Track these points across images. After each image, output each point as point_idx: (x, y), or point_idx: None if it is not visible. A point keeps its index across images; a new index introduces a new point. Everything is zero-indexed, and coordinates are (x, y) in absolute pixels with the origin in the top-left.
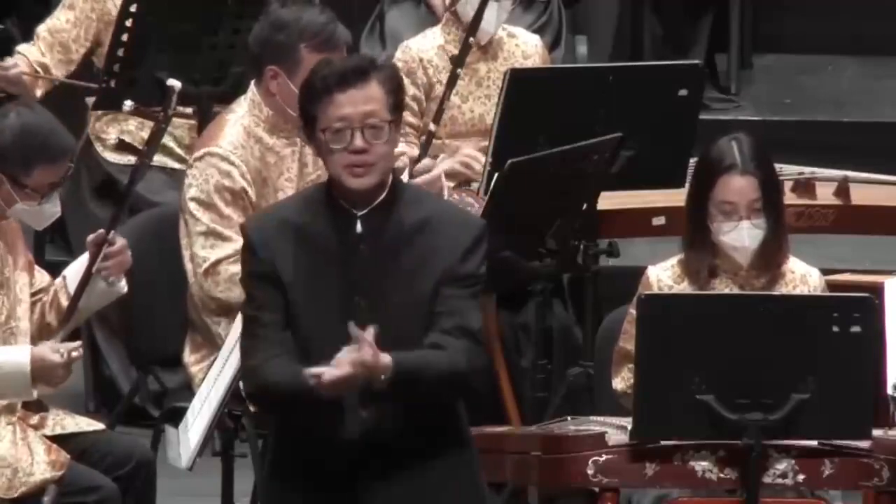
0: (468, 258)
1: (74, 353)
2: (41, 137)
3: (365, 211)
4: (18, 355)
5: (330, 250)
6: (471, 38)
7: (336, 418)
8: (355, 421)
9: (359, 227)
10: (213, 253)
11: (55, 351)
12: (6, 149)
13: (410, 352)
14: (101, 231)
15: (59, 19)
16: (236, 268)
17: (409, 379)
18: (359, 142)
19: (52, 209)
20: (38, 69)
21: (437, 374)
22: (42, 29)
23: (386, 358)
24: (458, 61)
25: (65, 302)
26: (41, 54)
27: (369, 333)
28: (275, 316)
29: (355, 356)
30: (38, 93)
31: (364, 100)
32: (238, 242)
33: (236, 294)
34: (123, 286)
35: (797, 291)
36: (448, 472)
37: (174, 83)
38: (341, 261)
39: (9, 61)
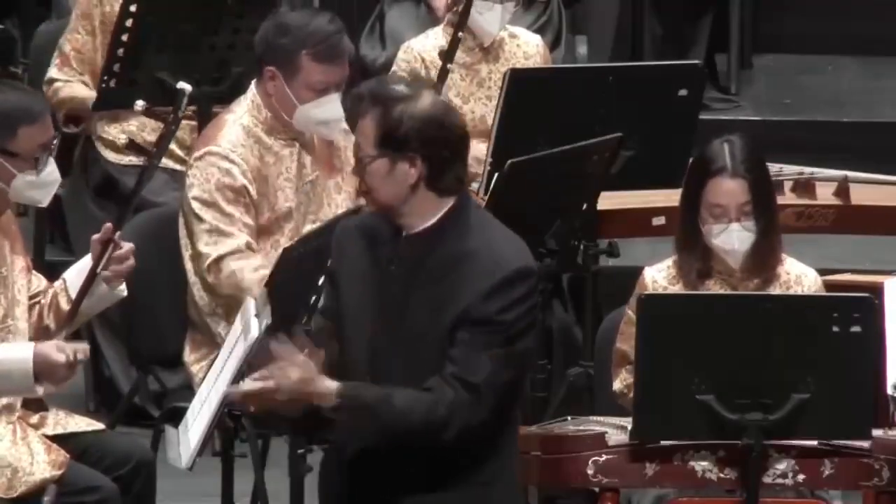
0: (489, 301)
1: (80, 356)
2: (12, 101)
3: (410, 233)
4: (22, 352)
5: (378, 263)
6: (460, 34)
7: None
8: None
9: (399, 248)
10: (216, 249)
11: (60, 350)
12: None
13: (375, 385)
14: (107, 227)
15: (77, 32)
16: (237, 264)
17: (359, 412)
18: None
19: (52, 175)
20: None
21: (396, 412)
22: (67, 49)
23: (330, 383)
24: (447, 56)
25: (64, 304)
26: (80, 74)
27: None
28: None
29: (283, 374)
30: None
31: (358, 131)
32: (240, 239)
33: (233, 290)
34: (123, 290)
35: (792, 292)
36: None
37: (185, 86)
38: (377, 278)
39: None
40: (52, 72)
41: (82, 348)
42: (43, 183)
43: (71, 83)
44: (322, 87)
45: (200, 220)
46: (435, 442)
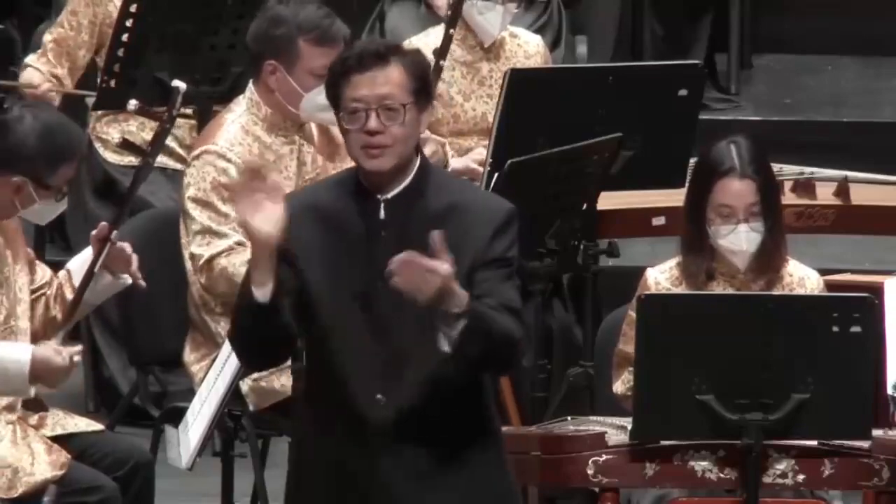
0: (496, 241)
1: (76, 358)
2: (64, 135)
3: (388, 196)
4: (19, 353)
5: (353, 235)
6: (452, 31)
7: (354, 408)
8: (374, 407)
9: (382, 213)
10: (208, 250)
11: (58, 353)
12: (31, 151)
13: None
14: (104, 225)
15: (63, 27)
16: (227, 260)
17: (480, 323)
18: (373, 123)
19: (63, 205)
20: (53, 81)
21: (502, 328)
22: (48, 39)
23: (463, 291)
24: (440, 53)
25: (69, 295)
26: (52, 66)
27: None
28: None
29: (436, 265)
30: (56, 103)
31: (382, 82)
32: (232, 238)
33: (226, 285)
34: (127, 278)
35: (795, 293)
36: (477, 468)
37: (179, 84)
38: (364, 246)
39: (35, 80)
40: (30, 58)
41: (77, 350)
42: (55, 210)
43: (36, 70)
44: (323, 72)
45: (193, 220)
46: (514, 360)
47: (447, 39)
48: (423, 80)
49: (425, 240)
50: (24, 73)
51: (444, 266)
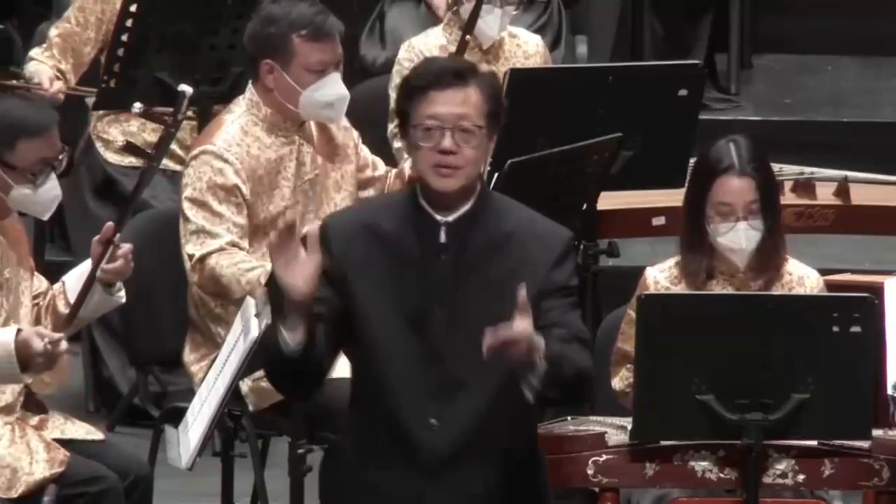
0: (559, 270)
1: (62, 345)
2: (17, 113)
3: (450, 219)
4: (5, 335)
5: (410, 258)
6: (467, 37)
7: (405, 431)
8: (427, 432)
9: (443, 237)
10: (201, 249)
11: (40, 336)
12: None
13: (551, 341)
14: (109, 226)
15: (69, 22)
16: (216, 260)
17: (559, 368)
18: (447, 142)
19: (51, 192)
20: (58, 76)
21: (577, 367)
22: (54, 34)
23: (539, 339)
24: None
25: (62, 307)
26: (58, 61)
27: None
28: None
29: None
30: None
31: (460, 102)
32: (225, 238)
33: (214, 286)
34: (122, 296)
35: (794, 293)
36: (527, 494)
37: (186, 89)
38: (421, 269)
39: (44, 79)
40: (34, 51)
41: (59, 337)
42: (40, 199)
43: (42, 63)
44: (320, 68)
45: (189, 221)
46: (585, 394)
47: (462, 46)
48: (497, 104)
49: (483, 266)
50: (29, 66)
51: (527, 329)
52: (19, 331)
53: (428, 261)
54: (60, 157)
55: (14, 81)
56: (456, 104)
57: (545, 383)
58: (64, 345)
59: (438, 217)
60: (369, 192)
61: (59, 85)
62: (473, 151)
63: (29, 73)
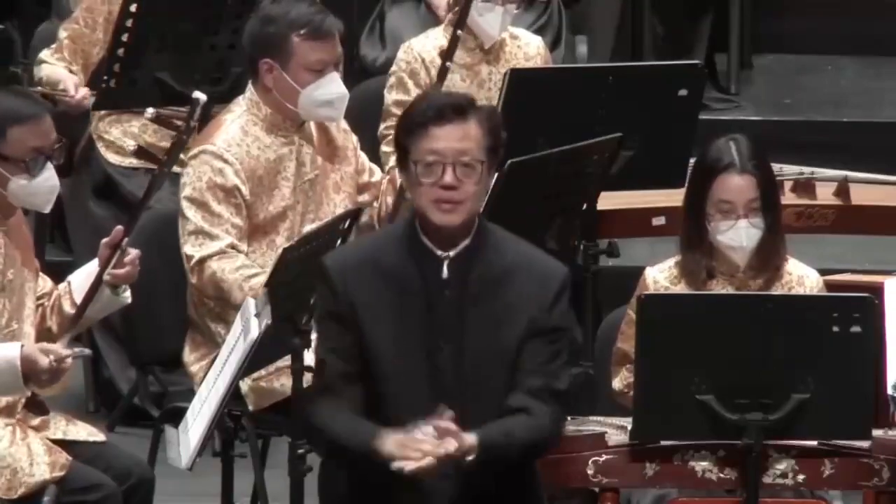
0: (554, 310)
1: (68, 362)
2: (6, 103)
3: (451, 254)
4: (10, 351)
5: (414, 293)
6: (459, 32)
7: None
8: (440, 495)
9: (445, 272)
10: (200, 251)
11: (45, 353)
12: None
13: (493, 424)
14: (118, 230)
15: (78, 23)
16: (218, 265)
17: (495, 455)
18: (449, 177)
19: (48, 182)
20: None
21: (521, 445)
22: (63, 35)
23: (470, 439)
24: (446, 55)
25: (67, 308)
26: (69, 62)
27: (449, 421)
28: (346, 366)
29: (440, 451)
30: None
31: (460, 137)
32: (224, 241)
33: (215, 290)
34: (128, 296)
35: (794, 293)
36: None
37: (200, 96)
38: (426, 305)
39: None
40: (44, 53)
41: (67, 354)
42: (37, 189)
43: (55, 66)
44: (319, 67)
45: (188, 220)
46: (543, 454)
47: (454, 42)
48: (496, 138)
49: (485, 301)
50: (44, 69)
51: (452, 452)
52: (22, 346)
53: (432, 296)
54: (56, 146)
55: (39, 88)
56: (456, 139)
57: (486, 464)
58: (69, 362)
59: (440, 252)
60: (364, 197)
61: (84, 91)
62: (475, 186)
63: (46, 77)
